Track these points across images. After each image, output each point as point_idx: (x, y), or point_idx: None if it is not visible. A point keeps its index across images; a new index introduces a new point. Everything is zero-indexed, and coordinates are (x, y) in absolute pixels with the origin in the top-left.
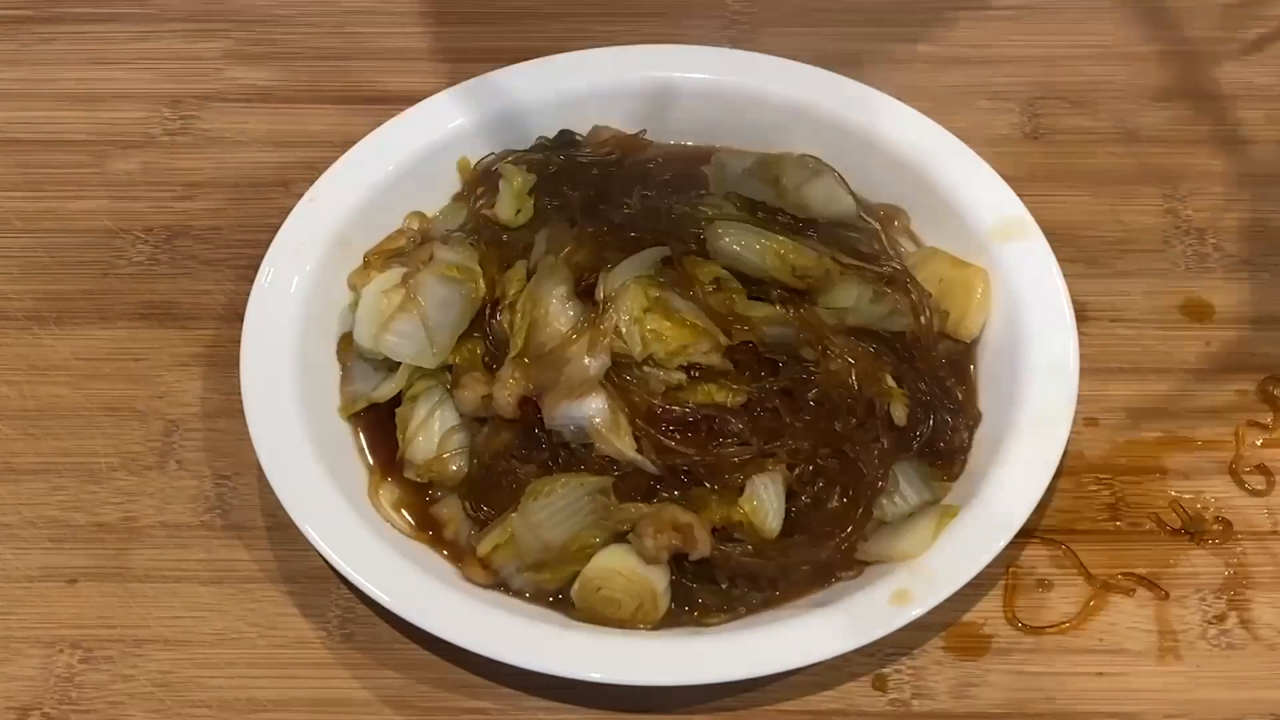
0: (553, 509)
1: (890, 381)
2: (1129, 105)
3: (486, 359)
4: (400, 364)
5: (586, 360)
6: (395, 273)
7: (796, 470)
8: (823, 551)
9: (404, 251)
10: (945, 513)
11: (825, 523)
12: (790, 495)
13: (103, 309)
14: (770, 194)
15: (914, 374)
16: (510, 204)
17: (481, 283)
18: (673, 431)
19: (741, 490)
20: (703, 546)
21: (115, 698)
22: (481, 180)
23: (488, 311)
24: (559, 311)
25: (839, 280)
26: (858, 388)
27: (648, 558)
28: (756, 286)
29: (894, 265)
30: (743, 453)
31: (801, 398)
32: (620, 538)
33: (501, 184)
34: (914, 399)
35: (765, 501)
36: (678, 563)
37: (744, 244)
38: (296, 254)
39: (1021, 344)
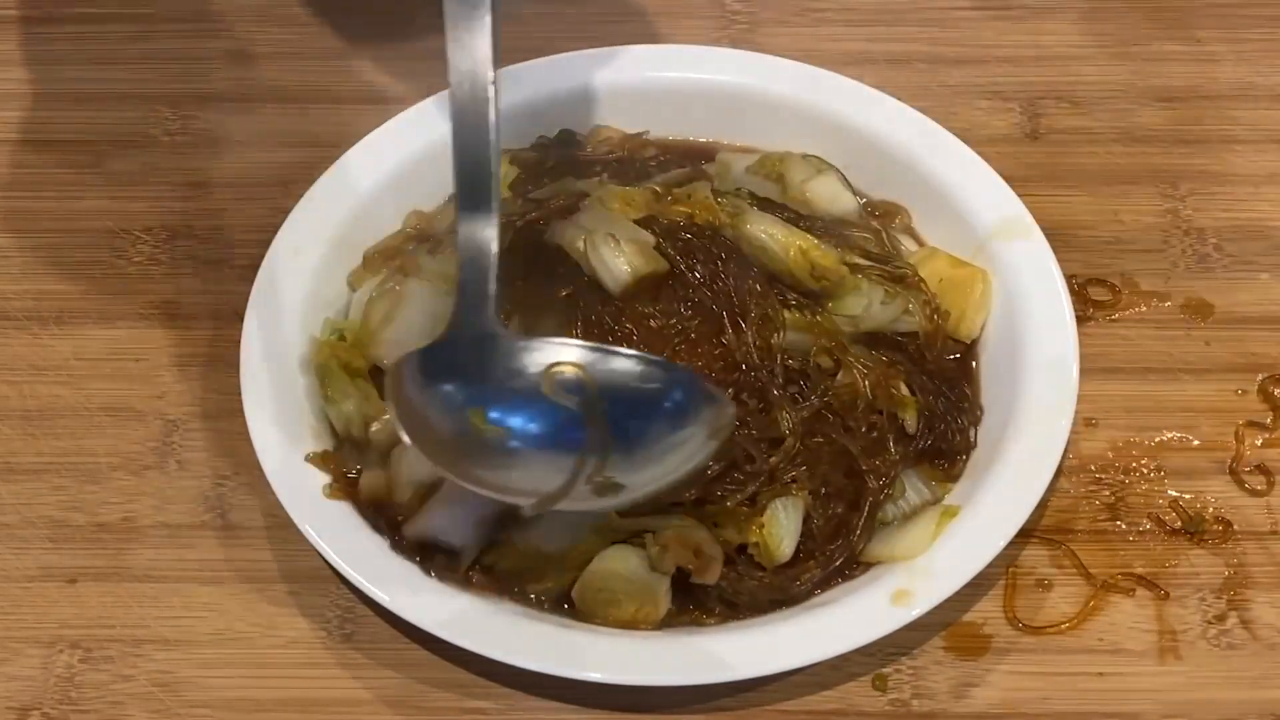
0: (551, 522)
1: (903, 389)
2: (1129, 105)
3: None
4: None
5: None
6: (384, 280)
7: (813, 493)
8: (826, 571)
9: (401, 252)
10: (945, 513)
11: (829, 539)
12: (805, 517)
13: (103, 309)
14: (774, 191)
15: (924, 377)
16: None
17: None
18: None
19: (762, 510)
20: (710, 578)
21: (115, 698)
22: None
23: None
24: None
25: (851, 284)
26: (872, 397)
27: (655, 565)
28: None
29: (903, 265)
30: (755, 485)
31: (825, 416)
32: (622, 540)
33: None
34: (924, 405)
35: (782, 526)
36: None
37: (770, 234)
38: (296, 254)
39: (1021, 344)
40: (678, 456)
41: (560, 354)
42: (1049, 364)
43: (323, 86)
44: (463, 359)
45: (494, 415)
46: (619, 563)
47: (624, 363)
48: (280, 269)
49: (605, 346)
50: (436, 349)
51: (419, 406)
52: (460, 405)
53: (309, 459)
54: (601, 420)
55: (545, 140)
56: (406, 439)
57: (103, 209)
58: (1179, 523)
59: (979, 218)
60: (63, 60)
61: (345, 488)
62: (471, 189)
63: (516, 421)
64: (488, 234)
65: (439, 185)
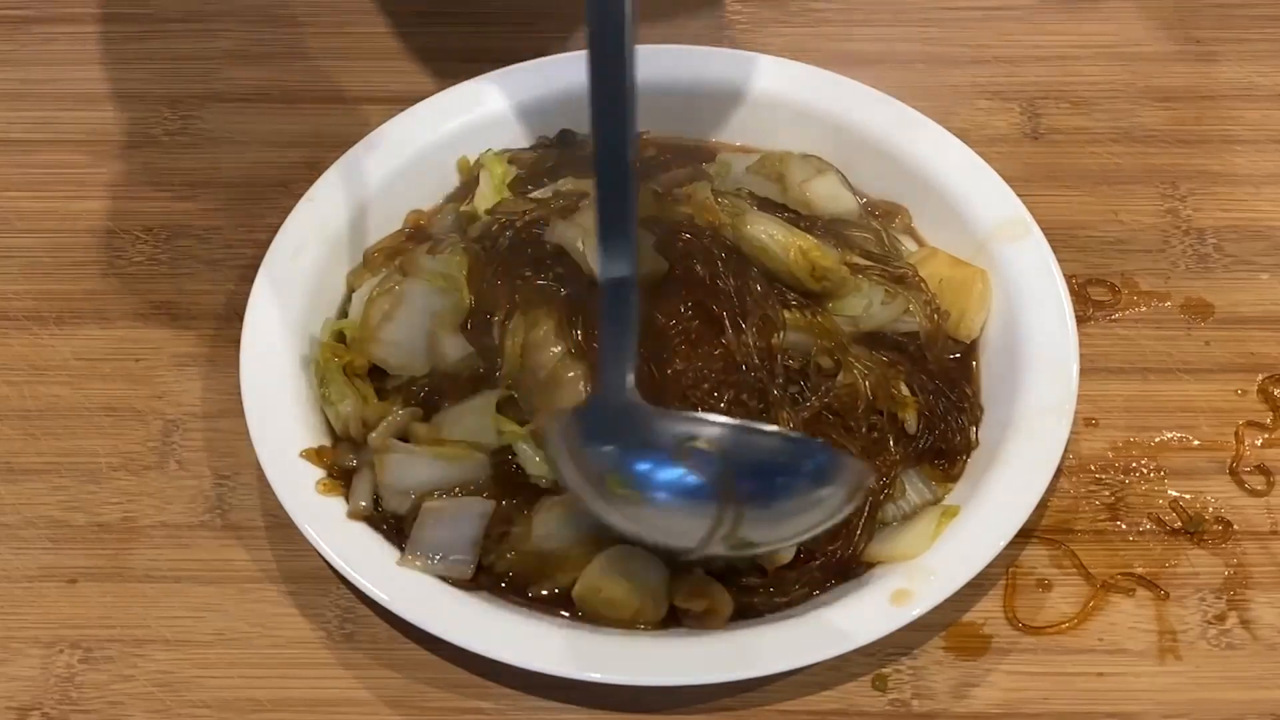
0: (551, 524)
1: (903, 389)
2: (1129, 105)
3: (478, 368)
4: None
5: (582, 385)
6: (383, 279)
7: None
8: (826, 572)
9: (400, 252)
10: (945, 513)
11: (830, 539)
12: None
13: (103, 309)
14: (774, 191)
15: (924, 377)
16: (490, 195)
17: (465, 291)
18: None
19: None
20: (715, 627)
21: (115, 698)
22: (478, 180)
23: (468, 323)
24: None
25: (851, 284)
26: (872, 398)
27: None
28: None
29: (903, 265)
30: None
31: (825, 416)
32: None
33: (482, 174)
34: (924, 405)
35: None
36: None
37: (771, 235)
38: (296, 254)
39: (1021, 344)
40: (812, 517)
41: (696, 429)
42: (1049, 364)
43: (323, 86)
44: (603, 426)
45: (628, 483)
46: (619, 563)
47: (761, 439)
48: (280, 269)
49: (747, 424)
50: (585, 411)
51: (572, 462)
52: (600, 470)
53: (303, 454)
54: (730, 494)
55: (545, 140)
56: (574, 489)
57: (103, 209)
58: (1179, 523)
59: (979, 218)
60: (63, 60)
61: (337, 484)
62: (611, 231)
63: (649, 491)
64: (629, 285)
65: (439, 185)
